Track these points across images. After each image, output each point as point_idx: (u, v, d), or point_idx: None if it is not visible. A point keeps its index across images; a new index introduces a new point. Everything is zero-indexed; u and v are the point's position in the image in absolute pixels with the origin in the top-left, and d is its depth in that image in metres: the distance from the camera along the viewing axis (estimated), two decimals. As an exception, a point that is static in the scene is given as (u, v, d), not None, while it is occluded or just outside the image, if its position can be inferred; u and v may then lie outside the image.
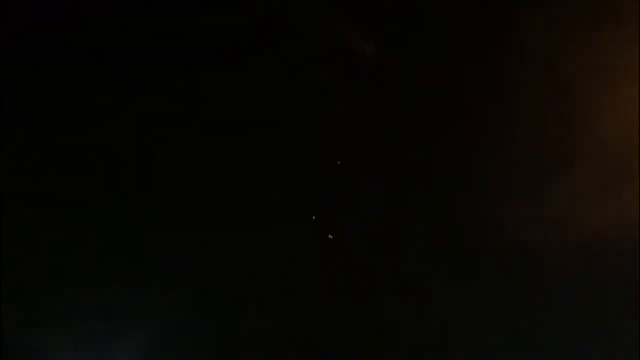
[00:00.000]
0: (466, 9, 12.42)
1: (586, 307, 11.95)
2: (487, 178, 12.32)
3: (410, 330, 12.18)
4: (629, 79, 12.04)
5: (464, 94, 12.42)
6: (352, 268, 12.29)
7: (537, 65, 12.28)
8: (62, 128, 12.20)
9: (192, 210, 12.24)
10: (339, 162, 12.48)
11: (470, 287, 12.24)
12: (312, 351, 12.14)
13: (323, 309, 12.17)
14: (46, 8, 12.25)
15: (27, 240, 11.83)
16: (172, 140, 12.37)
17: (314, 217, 12.34)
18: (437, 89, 12.39)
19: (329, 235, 12.30)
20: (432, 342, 12.21)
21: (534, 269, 12.18)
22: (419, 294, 12.23)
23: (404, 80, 12.43)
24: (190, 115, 12.43)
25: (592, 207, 12.14)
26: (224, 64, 12.43)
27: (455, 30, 12.39)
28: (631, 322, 11.82)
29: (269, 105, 12.51)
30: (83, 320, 11.76)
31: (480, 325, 12.14)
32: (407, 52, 12.35)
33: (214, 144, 12.42)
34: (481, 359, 12.19)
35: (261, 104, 12.48)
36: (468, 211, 12.32)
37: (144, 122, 12.32)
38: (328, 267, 12.28)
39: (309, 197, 12.42)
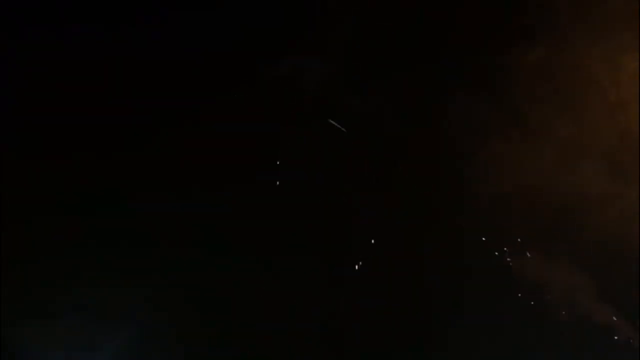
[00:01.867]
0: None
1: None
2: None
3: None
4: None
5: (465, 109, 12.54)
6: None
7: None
8: (59, 129, 12.31)
9: (187, 213, 12.29)
10: None
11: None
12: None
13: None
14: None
15: (22, 241, 11.88)
16: (170, 146, 12.43)
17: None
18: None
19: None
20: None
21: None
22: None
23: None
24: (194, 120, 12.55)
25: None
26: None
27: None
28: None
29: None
30: (74, 318, 11.81)
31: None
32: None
33: (216, 154, 12.53)
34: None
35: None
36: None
37: (143, 124, 12.44)
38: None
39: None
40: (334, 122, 12.60)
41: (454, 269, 12.21)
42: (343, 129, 12.64)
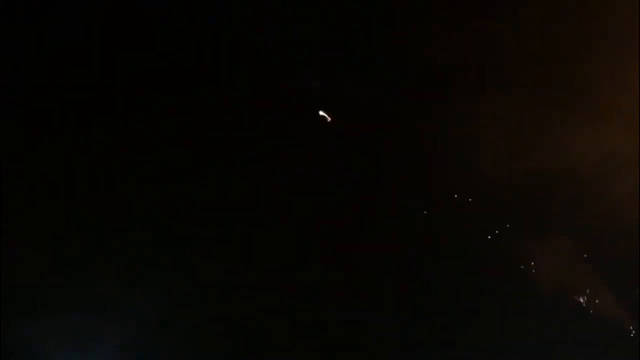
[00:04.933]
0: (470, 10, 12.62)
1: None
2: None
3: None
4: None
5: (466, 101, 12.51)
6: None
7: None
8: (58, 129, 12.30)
9: (183, 208, 12.33)
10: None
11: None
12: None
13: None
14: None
15: (21, 239, 11.90)
16: (167, 143, 12.44)
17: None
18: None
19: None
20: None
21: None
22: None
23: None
24: (188, 119, 12.53)
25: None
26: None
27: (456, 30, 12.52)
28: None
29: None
30: (74, 316, 11.81)
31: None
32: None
33: (208, 150, 12.53)
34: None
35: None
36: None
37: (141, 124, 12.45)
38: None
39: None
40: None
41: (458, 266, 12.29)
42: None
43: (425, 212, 12.44)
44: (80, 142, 12.25)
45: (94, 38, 12.43)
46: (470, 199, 12.43)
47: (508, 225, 12.34)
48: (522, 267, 12.36)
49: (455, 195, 12.51)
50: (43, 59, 12.40)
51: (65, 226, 12.05)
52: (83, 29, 12.42)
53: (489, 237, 12.34)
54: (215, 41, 12.67)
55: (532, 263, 12.34)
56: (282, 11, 12.67)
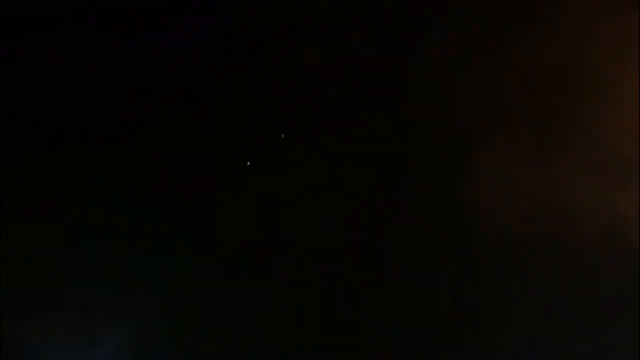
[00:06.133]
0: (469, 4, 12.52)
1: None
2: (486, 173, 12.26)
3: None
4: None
5: (461, 91, 12.39)
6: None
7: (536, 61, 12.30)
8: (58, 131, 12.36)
9: (183, 209, 12.31)
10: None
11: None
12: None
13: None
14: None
15: (20, 239, 11.95)
16: (168, 146, 12.43)
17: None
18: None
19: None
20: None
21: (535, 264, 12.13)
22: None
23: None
24: (191, 124, 12.54)
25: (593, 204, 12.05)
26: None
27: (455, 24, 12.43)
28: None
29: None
30: (73, 315, 11.86)
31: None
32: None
33: (211, 153, 12.50)
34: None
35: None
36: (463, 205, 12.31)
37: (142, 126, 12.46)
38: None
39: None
40: None
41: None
42: None
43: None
44: (78, 146, 12.33)
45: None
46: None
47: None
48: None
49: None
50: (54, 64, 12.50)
51: (65, 226, 12.08)
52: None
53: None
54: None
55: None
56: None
